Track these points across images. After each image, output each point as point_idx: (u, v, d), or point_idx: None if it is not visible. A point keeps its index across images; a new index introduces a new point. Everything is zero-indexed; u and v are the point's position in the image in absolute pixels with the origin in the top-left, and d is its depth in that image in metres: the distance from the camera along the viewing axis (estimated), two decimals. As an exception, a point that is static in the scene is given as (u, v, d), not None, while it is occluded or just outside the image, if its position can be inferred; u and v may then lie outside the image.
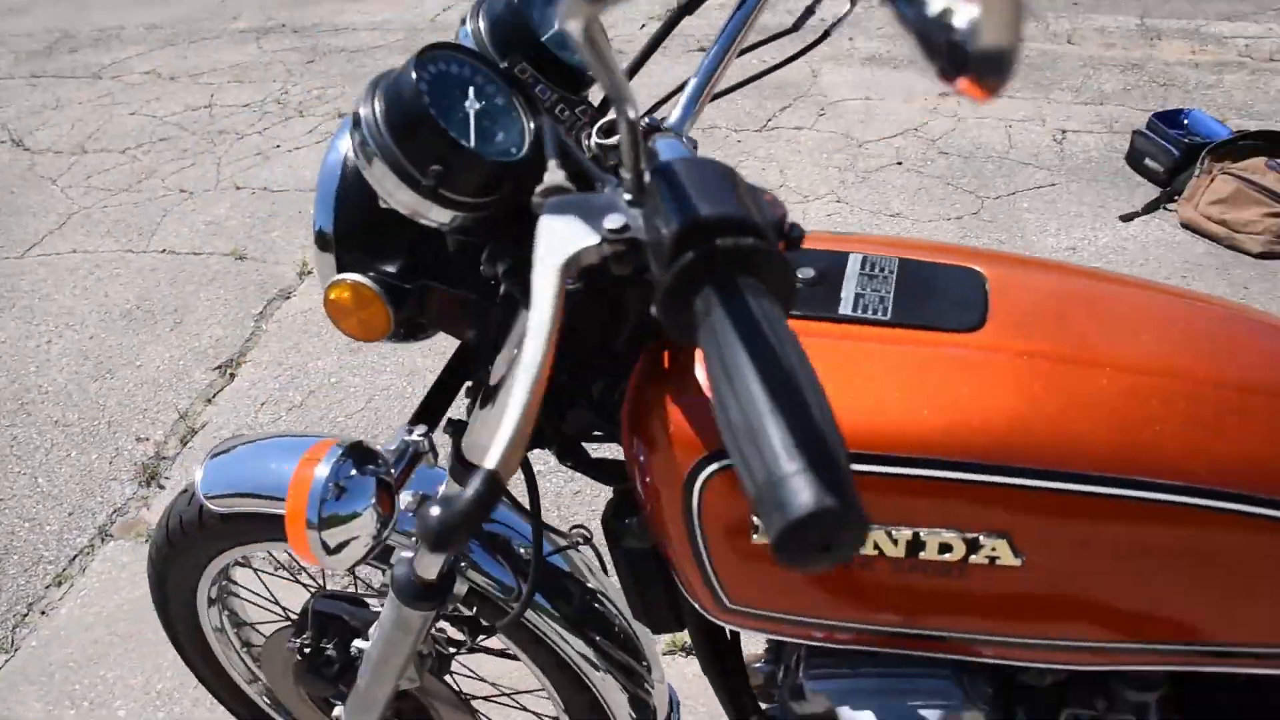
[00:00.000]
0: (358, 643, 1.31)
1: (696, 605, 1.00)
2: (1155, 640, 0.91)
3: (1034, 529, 0.85)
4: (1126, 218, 3.16)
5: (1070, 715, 1.02)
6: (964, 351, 0.89)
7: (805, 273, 0.97)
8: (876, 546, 0.87)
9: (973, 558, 0.86)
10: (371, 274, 0.92)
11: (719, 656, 1.16)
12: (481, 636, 1.26)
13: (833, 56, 4.21)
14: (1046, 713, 1.03)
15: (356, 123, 0.83)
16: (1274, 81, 3.89)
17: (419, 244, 0.95)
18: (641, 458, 0.93)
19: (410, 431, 0.99)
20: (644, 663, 1.35)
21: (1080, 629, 0.91)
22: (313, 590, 1.46)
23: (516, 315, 0.92)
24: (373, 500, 0.92)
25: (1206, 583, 0.88)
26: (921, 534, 0.86)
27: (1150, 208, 3.18)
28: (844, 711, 0.99)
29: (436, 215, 0.84)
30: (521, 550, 1.26)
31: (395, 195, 0.82)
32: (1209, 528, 0.83)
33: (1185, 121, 3.36)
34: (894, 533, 0.86)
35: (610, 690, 1.32)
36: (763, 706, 1.15)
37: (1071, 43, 4.26)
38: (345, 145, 0.94)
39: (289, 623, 1.47)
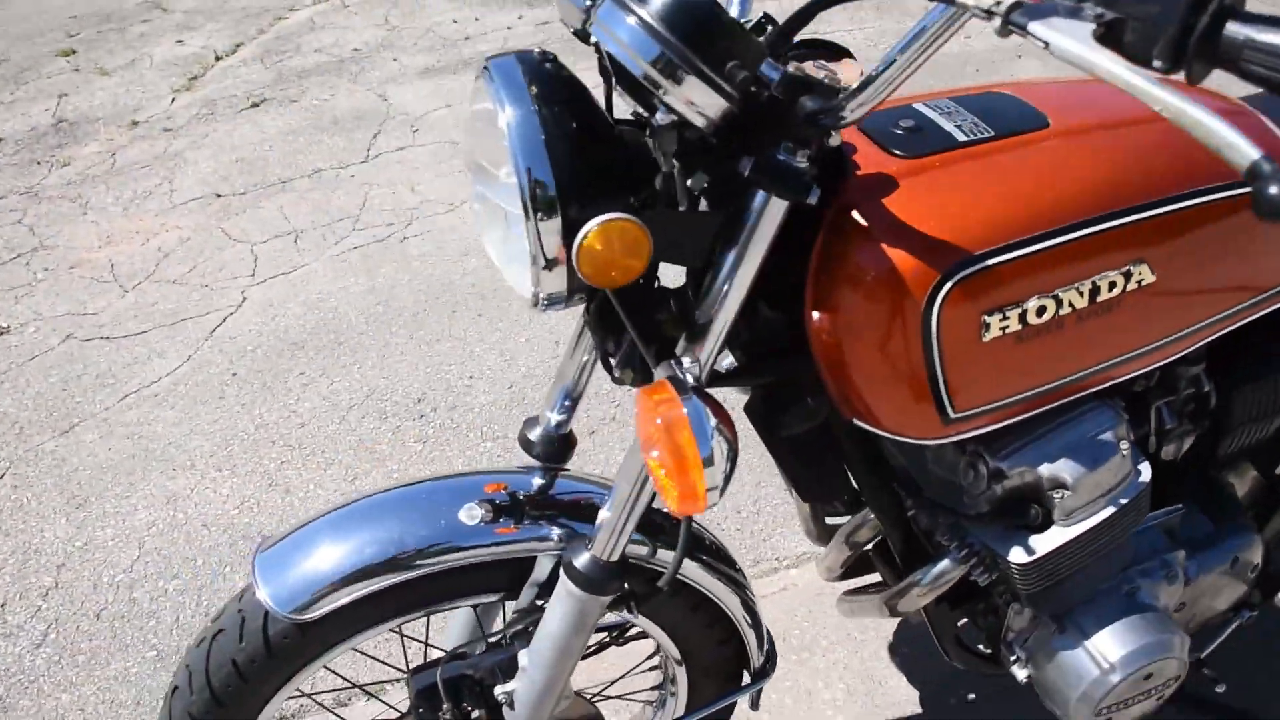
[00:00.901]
0: (499, 689, 1.24)
1: (904, 438, 1.11)
2: (1214, 313, 1.19)
3: (1159, 247, 1.09)
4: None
5: (1157, 407, 1.29)
6: (1056, 141, 1.11)
7: (906, 123, 1.11)
8: (1069, 304, 1.06)
9: (1129, 286, 1.08)
10: (623, 213, 0.90)
11: (894, 498, 1.28)
12: (640, 607, 1.25)
13: (391, 79, 4.25)
14: (1144, 412, 1.29)
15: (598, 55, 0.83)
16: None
17: (630, 175, 0.95)
18: (849, 314, 1.04)
19: (679, 364, 0.98)
20: (747, 586, 1.41)
21: (1179, 319, 1.16)
22: (404, 673, 1.33)
23: (739, 224, 0.96)
24: (717, 424, 0.91)
25: (1229, 255, 1.18)
26: (1095, 281, 1.06)
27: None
28: (1044, 468, 1.16)
29: (713, 113, 0.86)
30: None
31: (705, 106, 0.84)
32: (1222, 213, 1.12)
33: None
34: (1079, 288, 1.05)
35: (740, 615, 1.38)
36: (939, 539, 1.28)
37: (590, 16, 4.69)
38: (516, 99, 0.91)
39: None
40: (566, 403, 1.29)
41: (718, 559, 1.36)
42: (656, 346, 0.99)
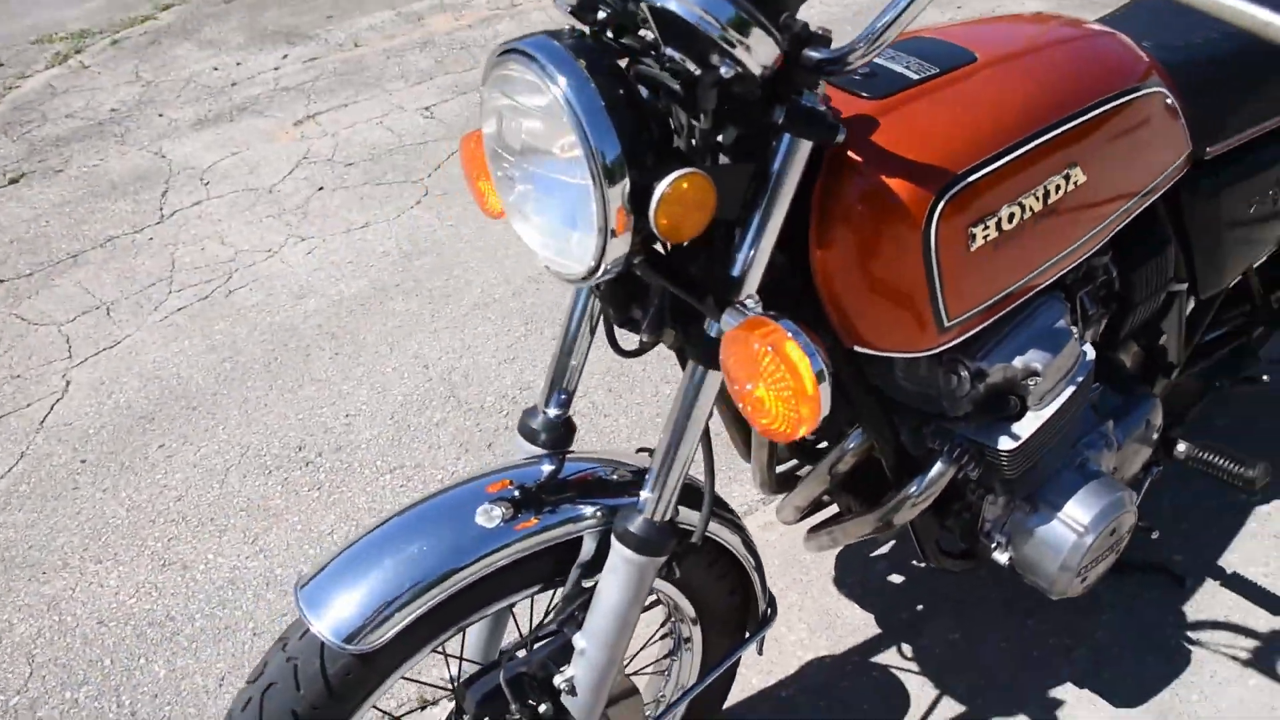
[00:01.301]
0: (558, 679, 1.25)
1: (904, 354, 1.21)
2: (1124, 202, 1.36)
3: (1086, 150, 1.24)
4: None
5: (1080, 297, 1.45)
6: (991, 71, 1.24)
7: (861, 70, 1.21)
8: (1030, 209, 1.19)
9: (1069, 188, 1.23)
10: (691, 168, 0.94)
11: (887, 416, 1.37)
12: (680, 567, 1.29)
13: (163, 135, 4.01)
14: (1071, 303, 1.44)
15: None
16: (502, 23, 4.66)
17: (667, 136, 0.99)
18: (854, 247, 1.13)
19: (744, 305, 1.03)
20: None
21: (1103, 211, 1.32)
22: (448, 689, 1.30)
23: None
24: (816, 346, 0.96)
25: (1130, 150, 1.35)
26: (1045, 185, 1.20)
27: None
28: (1017, 361, 1.29)
29: (770, 62, 0.92)
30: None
31: (765, 57, 0.90)
32: (1123, 115, 1.29)
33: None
34: (1035, 193, 1.19)
35: (746, 558, 1.43)
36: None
37: (359, 45, 4.59)
38: (570, 73, 0.93)
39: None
40: (564, 389, 1.31)
41: (720, 506, 1.40)
42: (714, 296, 1.03)
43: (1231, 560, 2.07)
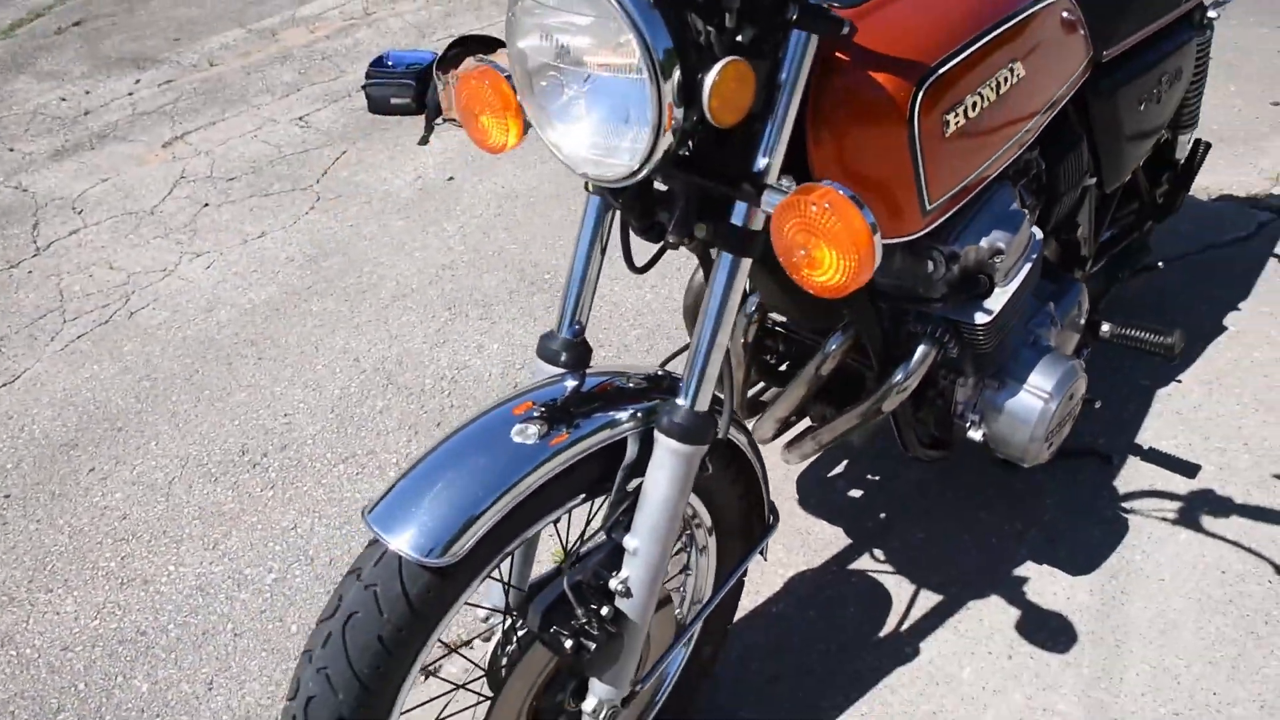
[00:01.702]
0: (613, 582, 1.30)
1: (893, 240, 1.33)
2: (1053, 95, 1.51)
3: (1024, 46, 1.38)
4: (423, 141, 3.66)
5: (1018, 188, 1.59)
6: None
7: None
8: (987, 98, 1.32)
9: (1015, 80, 1.36)
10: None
11: (874, 307, 1.47)
12: (711, 463, 1.35)
13: (19, 170, 3.81)
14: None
15: None
16: (360, 32, 4.64)
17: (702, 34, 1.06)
18: (847, 138, 1.23)
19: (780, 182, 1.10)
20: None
21: (1040, 102, 1.47)
22: (502, 611, 1.34)
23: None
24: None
25: (1056, 47, 1.50)
26: (996, 77, 1.33)
27: (430, 129, 3.72)
28: (984, 241, 1.42)
29: None
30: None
31: None
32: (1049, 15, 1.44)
33: (389, 62, 3.91)
34: (989, 84, 1.32)
35: (754, 460, 1.52)
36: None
37: (214, 64, 4.48)
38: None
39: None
40: (579, 310, 1.36)
41: (740, 424, 1.48)
42: (748, 183, 1.11)
43: (1146, 437, 2.27)
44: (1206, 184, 3.14)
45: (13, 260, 3.27)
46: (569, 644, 1.24)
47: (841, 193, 1.01)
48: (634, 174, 1.07)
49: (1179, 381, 2.42)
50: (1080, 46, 1.61)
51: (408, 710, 1.23)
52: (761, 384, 1.88)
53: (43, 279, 3.15)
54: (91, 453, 2.45)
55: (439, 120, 3.77)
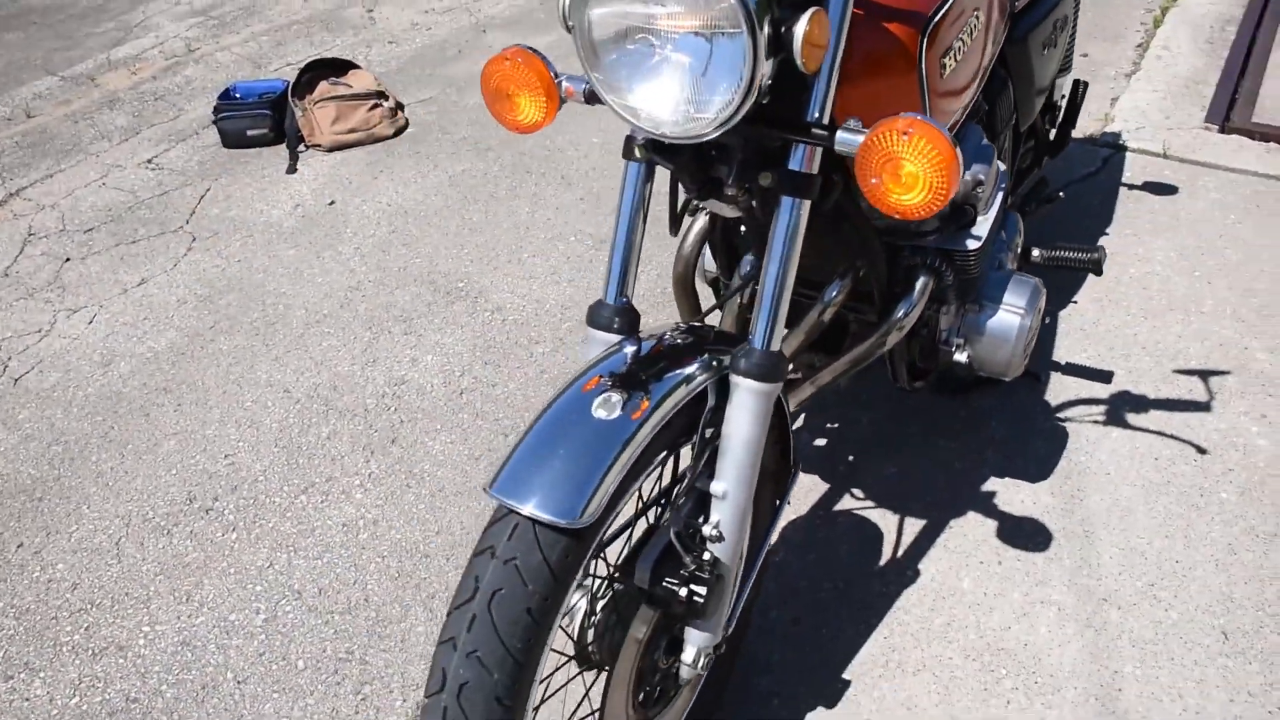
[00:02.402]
0: (707, 529, 1.34)
1: None
2: (994, 43, 1.66)
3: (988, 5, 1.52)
4: (291, 170, 3.55)
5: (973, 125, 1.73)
6: None
7: None
8: (965, 43, 1.45)
9: (977, 28, 1.50)
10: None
11: (879, 245, 1.57)
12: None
13: None
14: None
15: None
16: (189, 69, 4.46)
17: None
18: (867, 88, 1.33)
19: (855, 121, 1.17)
20: None
21: (994, 47, 1.61)
22: (614, 576, 1.35)
23: None
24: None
25: (995, 6, 1.65)
26: (968, 23, 1.46)
27: (295, 157, 3.61)
28: (967, 175, 1.55)
29: None
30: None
31: None
32: None
33: (237, 94, 3.77)
34: (965, 32, 1.44)
35: (789, 415, 1.58)
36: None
37: (33, 115, 4.18)
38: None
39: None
40: (626, 277, 1.39)
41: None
42: (818, 127, 1.18)
43: (1061, 354, 2.49)
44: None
45: None
46: (683, 593, 1.27)
47: (921, 118, 1.10)
48: (723, 124, 1.12)
49: (1075, 303, 2.66)
50: None
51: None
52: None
53: (-102, 359, 2.88)
54: (14, 528, 2.27)
55: (302, 147, 3.66)
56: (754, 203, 1.33)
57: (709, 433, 1.33)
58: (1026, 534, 2.06)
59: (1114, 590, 1.93)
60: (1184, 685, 1.76)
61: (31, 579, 2.14)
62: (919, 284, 1.59)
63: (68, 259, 3.22)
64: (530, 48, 1.30)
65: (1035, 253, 2.07)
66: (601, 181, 3.38)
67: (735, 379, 1.28)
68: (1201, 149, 3.22)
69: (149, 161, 3.72)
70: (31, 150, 3.89)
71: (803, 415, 2.38)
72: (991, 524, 2.08)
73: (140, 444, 2.46)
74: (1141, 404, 2.35)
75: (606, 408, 1.21)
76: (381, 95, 3.77)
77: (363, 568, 2.08)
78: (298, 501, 2.25)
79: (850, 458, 2.26)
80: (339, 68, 3.86)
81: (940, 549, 2.04)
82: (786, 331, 1.81)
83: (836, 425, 2.35)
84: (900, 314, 1.61)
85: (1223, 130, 3.30)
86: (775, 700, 1.79)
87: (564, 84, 1.30)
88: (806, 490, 2.19)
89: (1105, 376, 2.42)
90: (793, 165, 1.23)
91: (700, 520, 1.33)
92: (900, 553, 2.04)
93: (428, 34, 4.69)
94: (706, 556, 1.31)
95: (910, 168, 1.10)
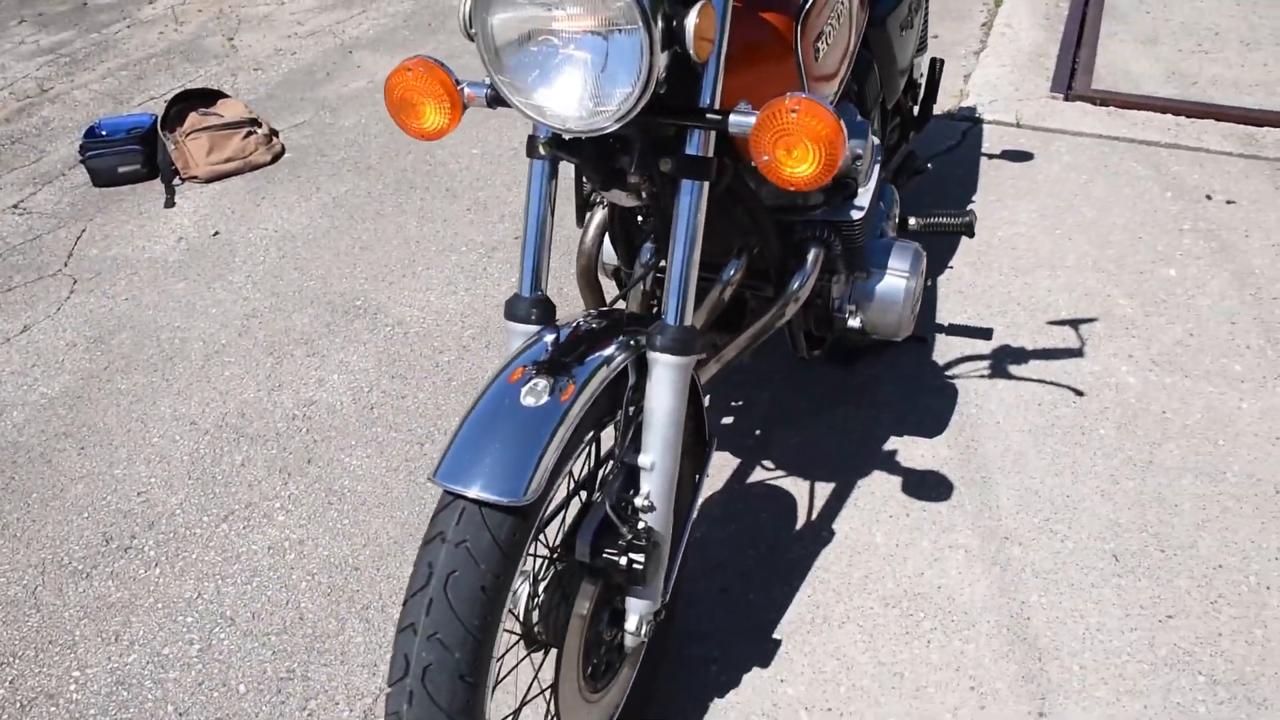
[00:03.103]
0: (638, 500, 1.42)
1: None
2: (856, 31, 1.78)
3: None
4: (169, 204, 3.49)
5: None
6: None
7: None
8: (834, 28, 1.56)
9: (843, 11, 1.61)
10: None
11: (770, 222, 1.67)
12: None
13: None
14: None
15: None
16: (44, 110, 4.33)
17: None
18: (751, 74, 1.42)
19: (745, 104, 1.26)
20: None
21: (853, 37, 1.73)
22: (554, 550, 1.41)
23: None
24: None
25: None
26: (835, 10, 1.57)
27: (171, 190, 3.55)
28: (852, 145, 1.66)
29: None
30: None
31: None
32: None
33: (103, 131, 3.68)
34: (833, 18, 1.55)
35: (701, 392, 1.67)
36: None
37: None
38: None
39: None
40: (539, 271, 1.45)
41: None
42: (711, 112, 1.26)
43: (943, 316, 2.65)
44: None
45: None
46: (623, 562, 1.34)
47: (807, 96, 1.19)
48: (623, 117, 1.20)
49: (951, 268, 2.83)
50: None
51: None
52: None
53: None
54: (-80, 590, 2.20)
55: (178, 180, 3.60)
56: (654, 190, 1.40)
57: (632, 410, 1.40)
58: (929, 485, 2.19)
59: (1014, 529, 2.08)
60: (1084, 607, 1.91)
61: (-55, 639, 2.08)
62: (810, 256, 1.70)
63: (-60, 313, 3.10)
64: (432, 58, 1.35)
65: (911, 221, 2.21)
66: (486, 190, 3.42)
67: (653, 355, 1.36)
68: (1050, 117, 3.45)
69: (15, 206, 3.61)
70: (-115, 204, 3.72)
71: (708, 395, 2.47)
72: (896, 480, 2.21)
73: (45, 491, 2.40)
74: (1021, 355, 2.52)
75: (534, 395, 1.27)
76: (255, 122, 3.73)
77: (294, 587, 2.09)
78: (219, 530, 2.24)
79: (757, 432, 2.37)
80: (208, 97, 3.80)
81: (851, 508, 2.16)
82: (693, 311, 1.91)
83: (740, 403, 2.45)
84: (796, 285, 1.71)
85: (1067, 98, 3.54)
86: (713, 666, 1.87)
87: (465, 90, 1.36)
88: (720, 467, 2.28)
89: (986, 333, 2.59)
90: (690, 150, 1.31)
91: (631, 493, 1.40)
92: (814, 515, 2.15)
93: (293, 58, 4.65)
94: (641, 526, 1.38)
95: (800, 142, 1.19)
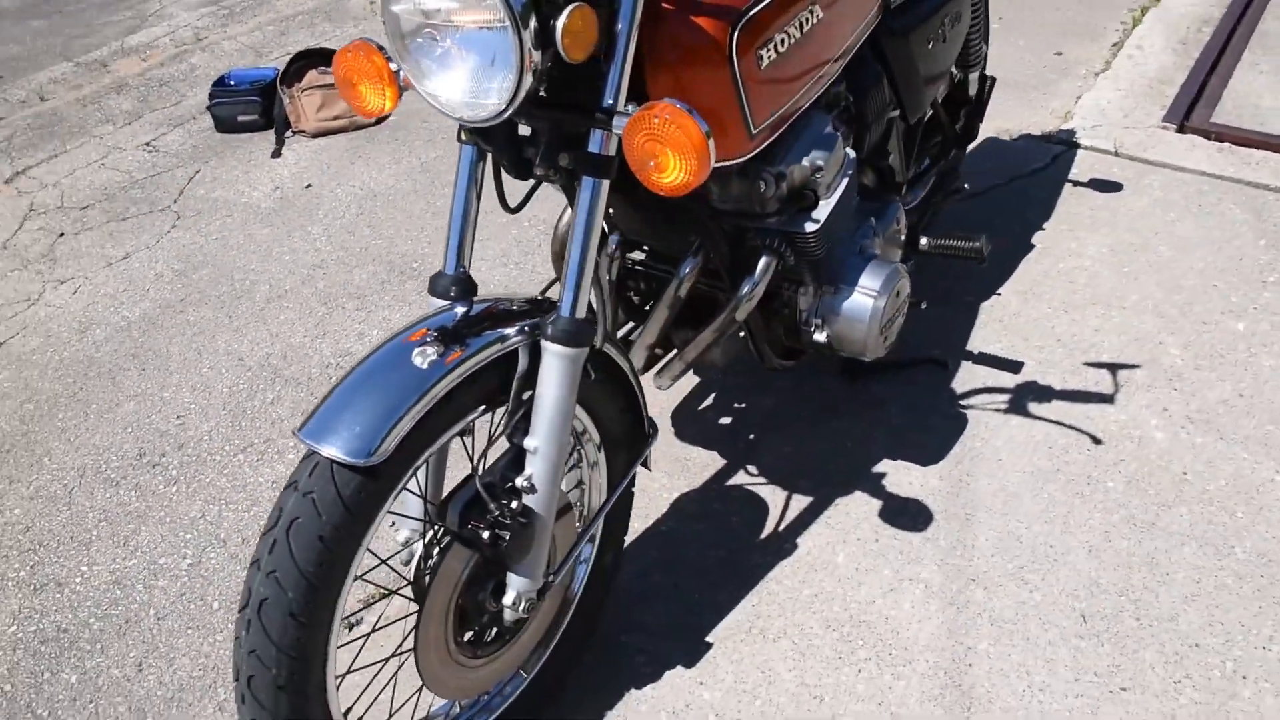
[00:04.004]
0: (519, 480, 1.47)
1: (728, 161, 1.53)
2: (850, 37, 1.75)
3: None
4: (276, 154, 3.73)
5: (831, 118, 1.82)
6: None
7: None
8: (792, 36, 1.55)
9: (815, 21, 1.59)
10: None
11: (719, 226, 1.68)
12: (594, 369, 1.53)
13: None
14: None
15: None
16: (194, 57, 4.66)
17: None
18: (679, 79, 1.43)
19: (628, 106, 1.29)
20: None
21: (839, 44, 1.71)
22: (426, 520, 1.49)
23: None
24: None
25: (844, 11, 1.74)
26: (798, 18, 1.56)
27: (281, 141, 3.79)
28: (805, 160, 1.65)
29: None
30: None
31: None
32: None
33: (231, 81, 3.96)
34: (792, 24, 1.55)
35: (631, 376, 1.70)
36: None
37: (46, 99, 4.41)
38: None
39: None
40: (462, 249, 1.52)
41: (614, 339, 1.66)
42: (601, 112, 1.30)
43: (975, 344, 2.57)
44: (1008, 126, 3.50)
45: None
46: (486, 536, 1.40)
47: (678, 105, 1.21)
48: (502, 112, 1.25)
49: (999, 295, 2.73)
50: None
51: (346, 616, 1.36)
52: (630, 324, 2.07)
53: (-102, 321, 3.10)
54: (-20, 477, 2.46)
55: (289, 133, 3.84)
56: (563, 183, 1.44)
57: (526, 395, 1.45)
58: (908, 514, 2.15)
59: (984, 571, 2.02)
60: (1033, 664, 1.85)
61: (-11, 523, 2.33)
62: (761, 263, 1.70)
63: (62, 234, 3.43)
64: (371, 40, 1.43)
65: (923, 240, 2.16)
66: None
67: (544, 344, 1.40)
68: (1153, 148, 3.26)
69: (147, 144, 3.93)
70: (41, 132, 4.12)
71: (713, 394, 2.49)
72: (876, 503, 2.18)
73: (103, 404, 2.64)
74: (1045, 394, 2.42)
75: (423, 357, 1.34)
76: (370, 83, 3.92)
77: (282, 522, 2.24)
78: (235, 460, 2.42)
79: (751, 436, 2.37)
80: (327, 58, 4.02)
81: (822, 524, 2.14)
82: (653, 305, 1.94)
83: (743, 406, 2.46)
84: (744, 290, 1.71)
85: (1180, 130, 3.34)
86: (640, 657, 1.91)
87: (402, 74, 1.43)
88: (704, 465, 2.30)
89: (1014, 367, 2.50)
90: (591, 148, 1.34)
91: (515, 473, 1.45)
92: (783, 526, 2.15)
93: (428, 25, 4.84)
94: (514, 505, 1.43)
95: (663, 150, 1.22)
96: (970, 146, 2.83)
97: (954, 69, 2.42)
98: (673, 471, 2.29)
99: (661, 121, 1.21)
